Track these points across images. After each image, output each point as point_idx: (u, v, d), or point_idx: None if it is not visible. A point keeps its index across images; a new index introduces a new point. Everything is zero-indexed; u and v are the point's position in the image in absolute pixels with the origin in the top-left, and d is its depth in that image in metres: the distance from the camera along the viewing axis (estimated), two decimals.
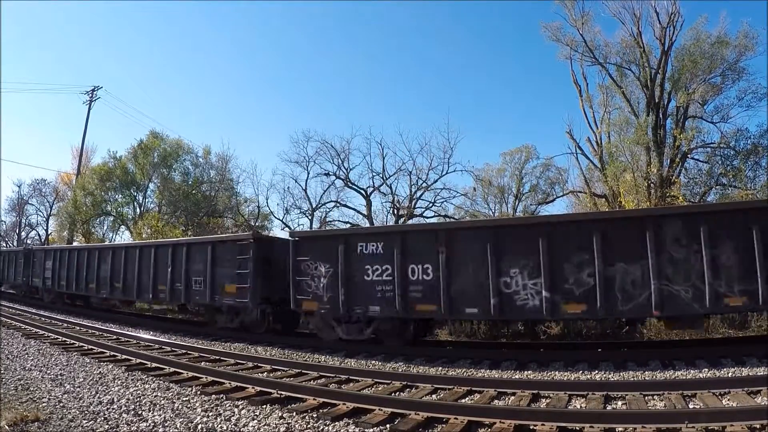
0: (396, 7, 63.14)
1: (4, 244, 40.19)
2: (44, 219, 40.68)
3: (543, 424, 4.82)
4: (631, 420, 4.74)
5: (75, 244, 27.93)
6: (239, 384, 6.88)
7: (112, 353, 9.44)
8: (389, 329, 10.52)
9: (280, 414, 5.50)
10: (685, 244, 8.30)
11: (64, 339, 11.16)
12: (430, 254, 9.82)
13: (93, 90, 34.27)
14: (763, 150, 16.80)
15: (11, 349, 9.89)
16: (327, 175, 24.38)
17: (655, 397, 5.93)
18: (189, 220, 26.64)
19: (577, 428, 4.77)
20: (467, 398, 6.34)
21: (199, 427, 5.04)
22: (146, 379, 7.40)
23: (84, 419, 5.34)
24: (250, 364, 8.69)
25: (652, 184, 16.95)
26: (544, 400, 6.16)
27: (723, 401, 5.65)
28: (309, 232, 12.40)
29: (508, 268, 9.24)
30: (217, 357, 9.42)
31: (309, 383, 7.06)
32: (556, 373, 7.92)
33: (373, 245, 10.44)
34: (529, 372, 8.12)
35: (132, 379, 7.32)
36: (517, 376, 7.69)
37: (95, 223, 30.99)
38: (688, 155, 17.89)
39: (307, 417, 5.40)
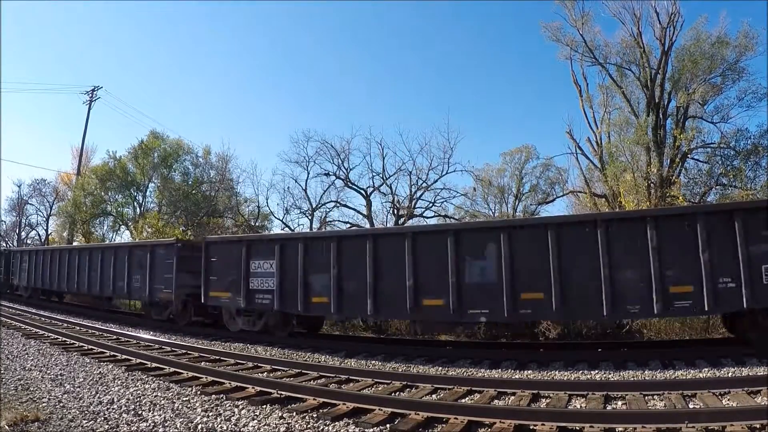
0: (396, 6, 63.21)
1: (4, 244, 40.17)
2: (44, 219, 40.67)
3: (543, 424, 4.82)
4: (631, 420, 4.74)
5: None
6: (239, 384, 6.88)
7: (112, 353, 9.44)
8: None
9: (280, 414, 5.50)
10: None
11: (64, 339, 11.17)
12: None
13: (93, 90, 34.30)
14: (763, 150, 16.80)
15: (11, 349, 9.89)
16: (327, 175, 24.36)
17: (655, 397, 5.94)
18: (189, 220, 26.63)
19: (577, 428, 4.77)
20: (467, 398, 6.34)
21: (199, 427, 5.04)
22: (146, 379, 7.40)
23: (84, 419, 5.34)
24: (250, 364, 8.69)
25: (652, 184, 16.95)
26: (544, 400, 6.16)
27: (723, 401, 5.65)
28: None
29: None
30: (217, 357, 9.42)
31: (309, 383, 7.06)
32: (556, 373, 7.92)
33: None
34: (529, 372, 8.12)
35: (132, 379, 7.32)
36: (517, 376, 7.69)
37: (95, 223, 30.98)
38: (688, 155, 17.89)
39: (307, 417, 5.40)
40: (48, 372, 7.78)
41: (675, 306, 8.40)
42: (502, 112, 57.01)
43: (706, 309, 8.31)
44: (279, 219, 25.52)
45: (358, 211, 24.06)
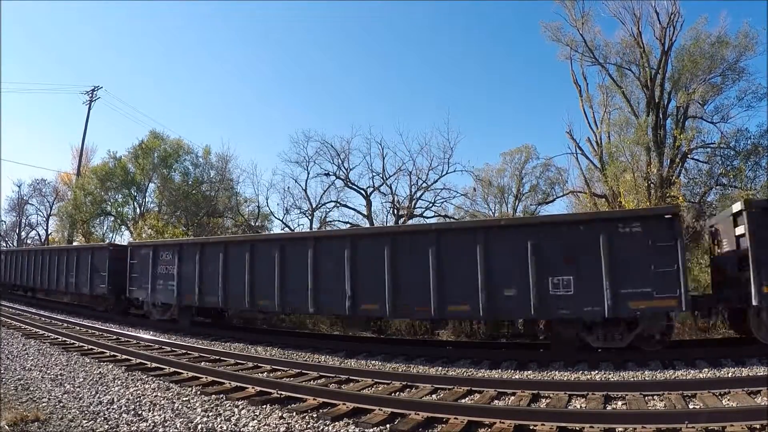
0: (396, 6, 63.21)
1: (4, 244, 40.17)
2: (44, 219, 40.68)
3: (543, 424, 4.82)
4: (631, 420, 4.74)
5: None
6: (239, 384, 6.88)
7: (112, 353, 9.44)
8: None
9: (280, 414, 5.50)
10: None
11: (64, 339, 11.16)
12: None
13: (93, 90, 34.28)
14: (763, 150, 16.80)
15: (11, 349, 9.89)
16: (327, 175, 24.38)
17: (655, 397, 5.94)
18: (189, 220, 26.63)
19: (577, 428, 4.77)
20: (467, 398, 6.34)
21: (199, 427, 5.04)
22: (146, 379, 7.40)
23: (84, 419, 5.34)
24: (250, 364, 8.69)
25: (652, 184, 16.95)
26: (544, 400, 6.16)
27: (723, 401, 5.65)
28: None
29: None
30: (217, 357, 9.42)
31: (309, 383, 7.06)
32: (556, 373, 7.92)
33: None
34: (529, 372, 8.12)
35: (132, 379, 7.32)
36: (517, 376, 7.69)
37: (95, 223, 30.98)
38: (688, 155, 17.89)
39: (307, 417, 5.40)
40: (48, 372, 7.77)
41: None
42: (502, 112, 57.09)
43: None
44: (279, 219, 25.57)
45: (358, 211, 24.10)
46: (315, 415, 5.46)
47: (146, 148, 29.46)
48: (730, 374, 7.05)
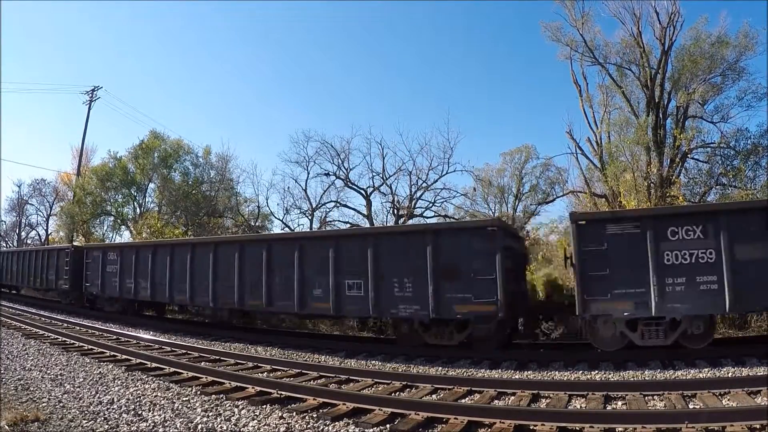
0: (396, 6, 63.20)
1: (4, 244, 40.17)
2: (44, 219, 40.68)
3: (543, 424, 4.82)
4: (631, 420, 4.74)
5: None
6: (239, 384, 6.88)
7: (112, 353, 9.44)
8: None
9: (280, 414, 5.50)
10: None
11: (64, 339, 11.16)
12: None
13: (93, 90, 34.27)
14: (763, 150, 16.79)
15: (11, 349, 9.89)
16: (327, 175, 24.36)
17: (655, 397, 5.94)
18: (189, 220, 26.63)
19: (577, 428, 4.77)
20: (467, 398, 6.34)
21: (199, 427, 5.04)
22: (146, 379, 7.40)
23: (84, 419, 5.34)
24: (250, 364, 8.69)
25: (652, 184, 16.94)
26: (544, 400, 6.16)
27: (723, 401, 5.65)
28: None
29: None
30: (217, 357, 9.42)
31: (309, 383, 7.07)
32: (556, 373, 7.92)
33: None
34: (529, 372, 8.12)
35: (132, 379, 7.32)
36: (517, 376, 7.69)
37: (95, 223, 30.99)
38: (688, 155, 17.88)
39: (307, 417, 5.40)
40: (48, 372, 7.77)
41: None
42: (502, 111, 57.09)
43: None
44: (279, 219, 25.57)
45: (358, 211, 24.09)
46: (315, 415, 5.46)
47: (146, 148, 29.46)
48: (730, 374, 7.05)
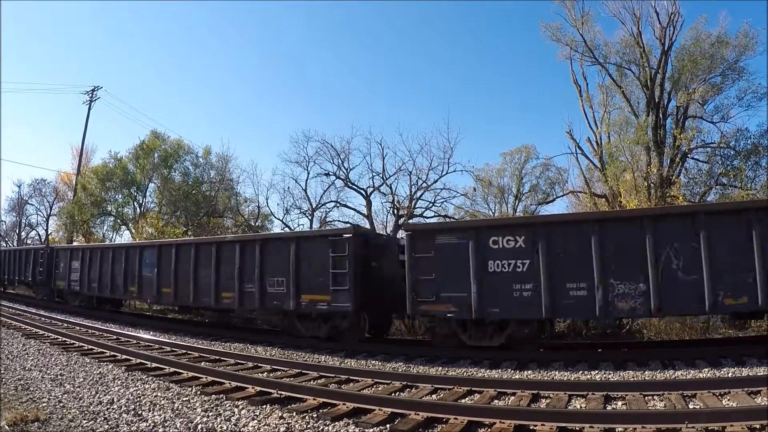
0: (396, 6, 63.20)
1: (4, 244, 40.16)
2: (44, 219, 40.69)
3: (543, 424, 4.82)
4: (631, 420, 4.73)
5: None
6: (239, 384, 6.88)
7: (112, 353, 9.43)
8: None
9: (280, 414, 5.50)
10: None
11: (64, 339, 11.16)
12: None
13: (93, 90, 34.27)
14: (763, 150, 16.81)
15: (11, 349, 9.89)
16: (327, 175, 24.37)
17: (655, 397, 5.93)
18: (189, 220, 26.64)
19: (577, 428, 4.76)
20: (467, 398, 6.34)
21: (199, 427, 5.04)
22: (146, 379, 7.40)
23: (84, 419, 5.34)
24: (250, 364, 8.69)
25: (652, 184, 16.95)
26: (544, 400, 6.16)
27: (723, 401, 5.64)
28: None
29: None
30: (217, 357, 9.42)
31: (309, 383, 7.06)
32: (556, 373, 7.91)
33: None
34: (529, 372, 8.12)
35: (132, 379, 7.32)
36: (517, 376, 7.69)
37: (95, 223, 31.01)
38: (688, 155, 17.90)
39: (307, 417, 5.40)
40: (48, 372, 7.77)
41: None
42: (502, 111, 57.10)
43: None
44: (279, 219, 25.58)
45: (358, 211, 24.09)
46: (315, 415, 5.45)
47: (147, 148, 29.47)
48: (730, 374, 7.04)
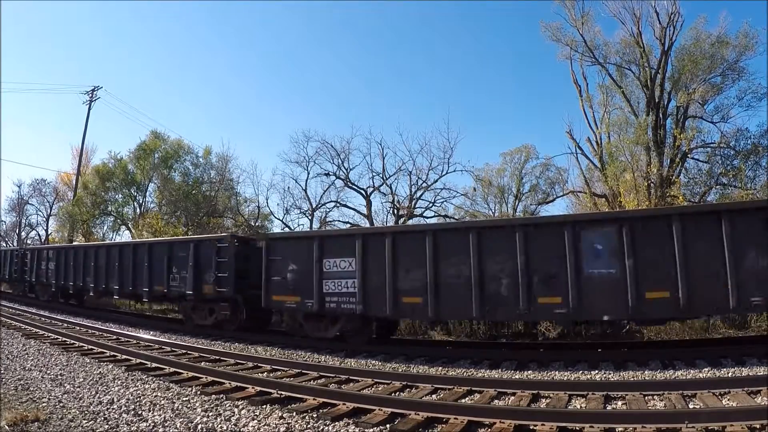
0: (396, 6, 63.19)
1: (4, 244, 40.15)
2: (44, 219, 40.67)
3: (543, 424, 4.82)
4: (631, 420, 4.73)
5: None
6: (239, 384, 6.88)
7: (112, 353, 9.43)
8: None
9: (280, 414, 5.50)
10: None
11: (64, 339, 11.16)
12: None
13: (93, 90, 34.25)
14: (763, 150, 16.81)
15: (11, 349, 9.89)
16: (327, 175, 24.36)
17: (655, 397, 5.93)
18: (189, 220, 26.63)
19: (577, 428, 4.76)
20: (467, 398, 6.34)
21: (199, 427, 5.04)
22: (146, 379, 7.40)
23: (84, 419, 5.34)
24: (250, 364, 8.69)
25: (652, 184, 16.95)
26: (544, 400, 6.16)
27: (723, 401, 5.64)
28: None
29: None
30: (217, 357, 9.42)
31: (309, 383, 7.06)
32: (556, 373, 7.91)
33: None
34: (529, 372, 8.12)
35: (132, 379, 7.31)
36: (517, 376, 7.69)
37: (95, 223, 31.00)
38: (688, 155, 17.90)
39: (307, 417, 5.40)
40: (48, 372, 7.77)
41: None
42: (502, 111, 57.07)
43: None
44: (279, 219, 25.57)
45: (358, 211, 24.08)
46: (315, 415, 5.45)
47: (147, 148, 29.47)
48: (730, 374, 7.04)
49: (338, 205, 24.54)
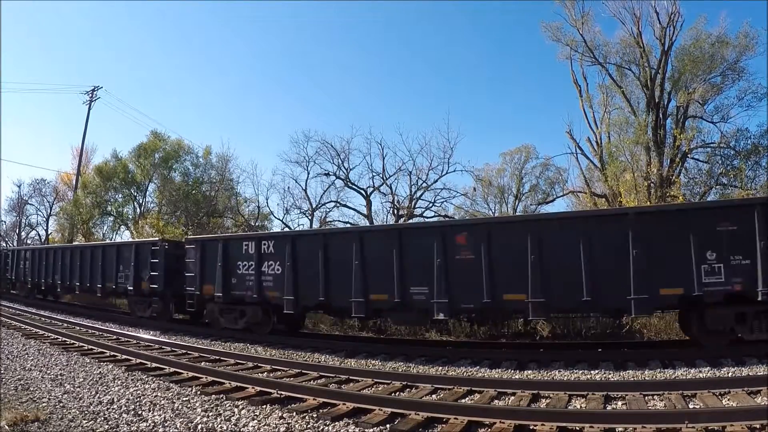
0: (396, 7, 63.20)
1: (4, 244, 40.16)
2: (44, 219, 40.67)
3: (543, 424, 4.82)
4: (631, 420, 4.73)
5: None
6: (239, 384, 6.87)
7: (112, 353, 9.43)
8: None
9: (280, 414, 5.50)
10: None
11: (64, 339, 11.16)
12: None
13: (93, 90, 34.28)
14: (763, 150, 16.82)
15: (11, 349, 9.89)
16: (327, 175, 24.37)
17: (655, 397, 5.93)
18: (189, 220, 26.64)
19: (577, 428, 4.76)
20: (467, 398, 6.34)
21: (199, 427, 5.04)
22: (146, 379, 7.39)
23: (84, 419, 5.34)
24: (250, 364, 8.68)
25: (652, 184, 16.95)
26: (544, 400, 6.16)
27: (723, 401, 5.64)
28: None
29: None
30: (217, 357, 9.42)
31: (309, 383, 7.05)
32: (556, 373, 7.91)
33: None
34: (529, 372, 8.11)
35: (132, 379, 7.31)
36: (517, 376, 7.69)
37: (95, 222, 31.00)
38: (688, 155, 17.90)
39: (307, 417, 5.40)
40: (48, 372, 7.78)
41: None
42: (502, 112, 57.10)
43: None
44: (279, 219, 25.58)
45: (358, 211, 24.09)
46: (315, 415, 5.45)
47: (148, 148, 29.47)
48: (730, 374, 7.04)
49: (338, 205, 24.57)
